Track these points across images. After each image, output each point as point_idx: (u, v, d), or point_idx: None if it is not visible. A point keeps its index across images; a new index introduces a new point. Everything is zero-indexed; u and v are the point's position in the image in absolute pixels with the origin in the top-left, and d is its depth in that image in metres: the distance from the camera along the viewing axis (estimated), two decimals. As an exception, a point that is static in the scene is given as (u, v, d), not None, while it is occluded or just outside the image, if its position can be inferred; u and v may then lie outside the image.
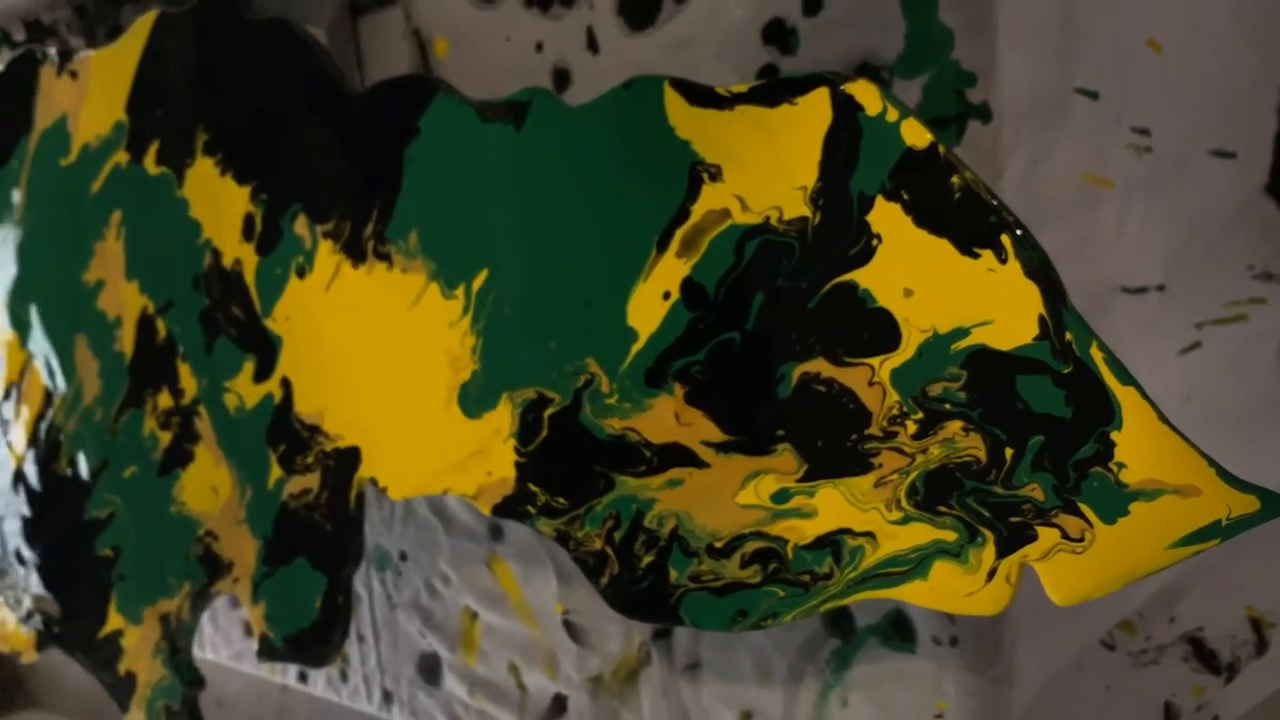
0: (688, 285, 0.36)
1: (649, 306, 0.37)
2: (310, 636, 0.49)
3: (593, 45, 0.48)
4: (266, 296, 0.49)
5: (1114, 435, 0.29)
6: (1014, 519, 0.31)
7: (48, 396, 0.61)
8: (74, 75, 0.56)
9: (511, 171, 0.40)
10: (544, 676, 0.53)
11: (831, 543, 0.34)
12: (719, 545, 0.36)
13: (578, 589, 0.51)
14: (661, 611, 0.38)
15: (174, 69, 0.51)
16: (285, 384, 0.49)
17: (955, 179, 0.30)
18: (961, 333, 0.31)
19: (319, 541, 0.48)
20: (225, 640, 0.73)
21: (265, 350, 0.49)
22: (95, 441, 0.58)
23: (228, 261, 0.50)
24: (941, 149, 0.31)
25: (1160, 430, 0.28)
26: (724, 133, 0.35)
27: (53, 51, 0.58)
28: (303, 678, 0.67)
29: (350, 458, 0.47)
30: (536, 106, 0.39)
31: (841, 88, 0.32)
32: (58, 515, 0.61)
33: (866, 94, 0.32)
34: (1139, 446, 0.28)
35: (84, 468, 0.59)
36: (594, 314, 0.38)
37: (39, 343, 0.61)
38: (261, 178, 0.48)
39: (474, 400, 0.42)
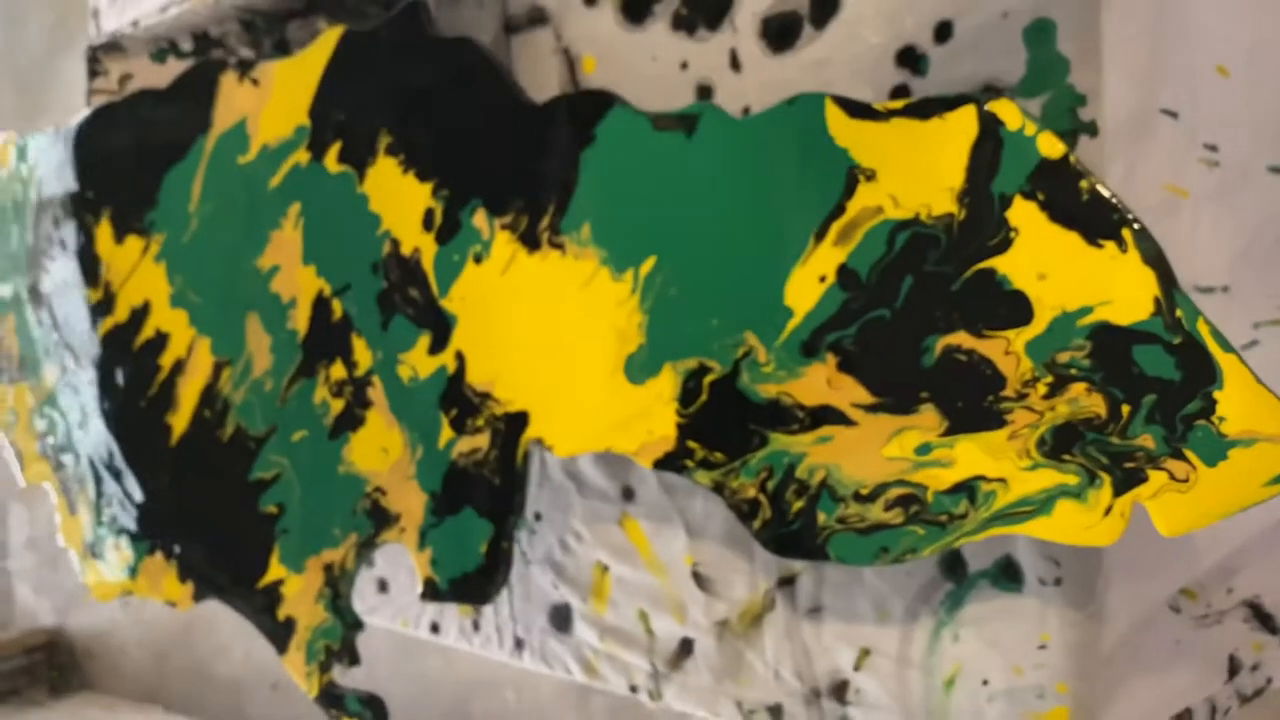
0: (842, 271, 0.42)
1: (805, 288, 0.43)
2: (475, 579, 0.56)
3: (735, 64, 0.54)
4: (444, 280, 0.56)
5: (1216, 394, 0.35)
6: (1128, 464, 0.37)
7: (216, 370, 0.68)
8: (255, 82, 0.64)
9: (682, 173, 0.47)
10: (672, 622, 0.59)
11: (968, 488, 0.41)
12: (865, 492, 0.43)
13: (706, 543, 0.58)
14: (810, 550, 0.45)
15: (358, 79, 0.59)
16: (459, 356, 0.56)
17: (1084, 183, 0.37)
18: (1086, 310, 0.37)
19: (486, 494, 0.55)
20: (359, 596, 0.80)
21: (440, 327, 0.56)
22: (264, 409, 0.65)
23: (407, 250, 0.57)
24: (1073, 158, 0.37)
25: (1256, 389, 0.35)
26: (879, 141, 0.41)
27: (233, 60, 0.65)
28: (435, 629, 0.74)
29: (519, 420, 0.53)
30: (707, 118, 0.46)
31: (986, 107, 0.39)
32: (222, 477, 0.68)
33: (1008, 112, 0.38)
34: (1237, 403, 0.35)
35: (251, 433, 0.66)
36: (754, 295, 0.45)
37: (208, 321, 0.68)
38: (443, 177, 0.55)
39: (639, 369, 0.49)
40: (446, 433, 0.57)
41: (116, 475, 0.77)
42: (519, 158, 0.52)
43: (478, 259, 0.54)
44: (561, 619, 0.65)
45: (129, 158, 0.73)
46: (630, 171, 0.48)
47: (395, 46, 0.57)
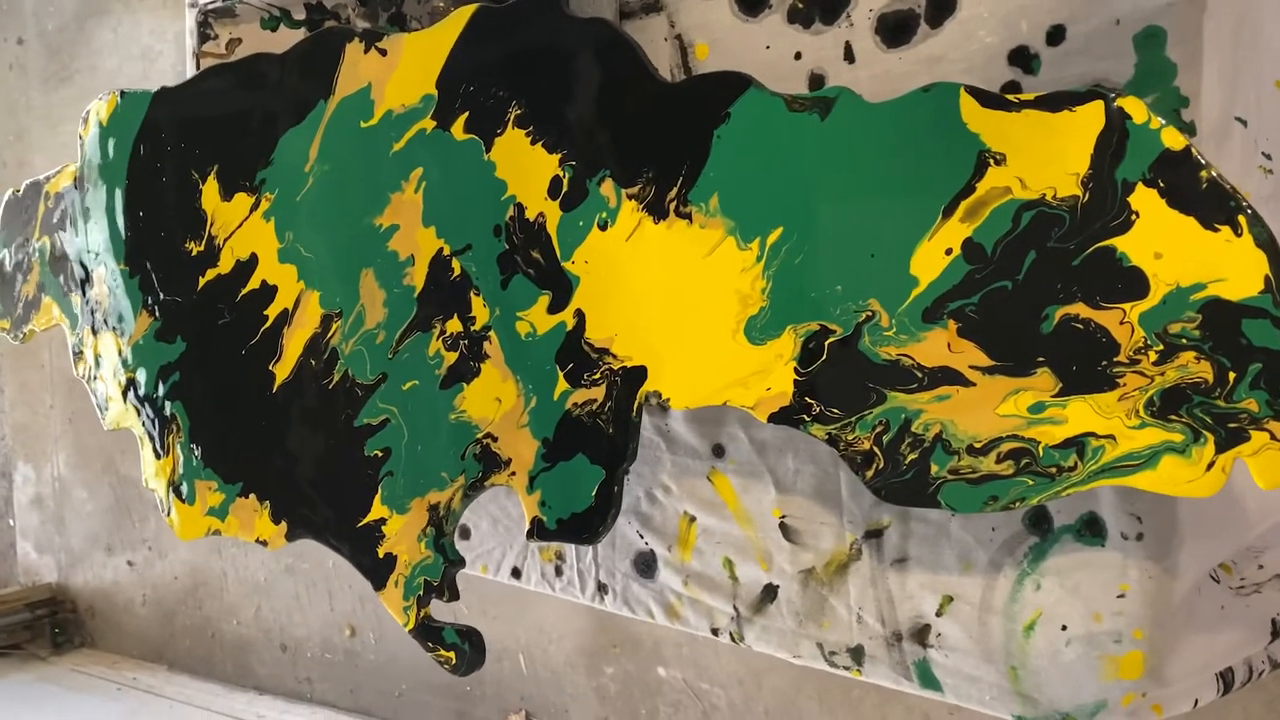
0: (968, 244, 0.47)
1: (931, 259, 0.48)
2: (584, 519, 0.60)
3: (849, 57, 0.59)
4: (567, 244, 0.60)
5: None
6: (1231, 425, 0.42)
7: (324, 321, 0.72)
8: (383, 52, 0.68)
9: (815, 151, 0.51)
10: (758, 569, 0.64)
11: (1078, 443, 0.45)
12: (978, 446, 0.48)
13: (795, 498, 0.62)
14: (921, 498, 0.49)
15: (491, 53, 0.63)
16: (579, 314, 0.60)
17: (1204, 173, 0.42)
18: (1199, 286, 0.42)
19: (599, 442, 0.59)
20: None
21: (561, 287, 0.60)
22: (375, 359, 0.69)
23: (531, 215, 0.61)
24: (1194, 151, 0.42)
25: (1353, 360, 0.39)
26: (1010, 129, 0.46)
27: (358, 30, 0.69)
28: (515, 574, 0.78)
29: (637, 375, 0.58)
30: (843, 101, 0.50)
31: (1115, 102, 0.43)
32: (326, 423, 0.72)
33: (1135, 107, 0.43)
34: (1336, 372, 0.40)
35: (360, 381, 0.70)
36: (879, 264, 0.50)
37: (320, 276, 0.72)
38: (572, 148, 0.59)
39: (760, 330, 0.53)
40: (561, 385, 0.61)
41: (210, 420, 0.81)
42: (650, 133, 0.57)
43: (602, 225, 0.58)
44: (646, 565, 0.69)
45: (243, 118, 0.76)
46: (763, 148, 0.53)
47: (530, 24, 0.61)
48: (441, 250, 0.66)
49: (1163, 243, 0.43)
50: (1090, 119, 0.44)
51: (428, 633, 0.69)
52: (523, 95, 0.61)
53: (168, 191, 0.82)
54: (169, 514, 0.85)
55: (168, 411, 0.84)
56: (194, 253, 0.80)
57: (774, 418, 0.53)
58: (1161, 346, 0.43)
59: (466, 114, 0.64)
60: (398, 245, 0.68)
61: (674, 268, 0.56)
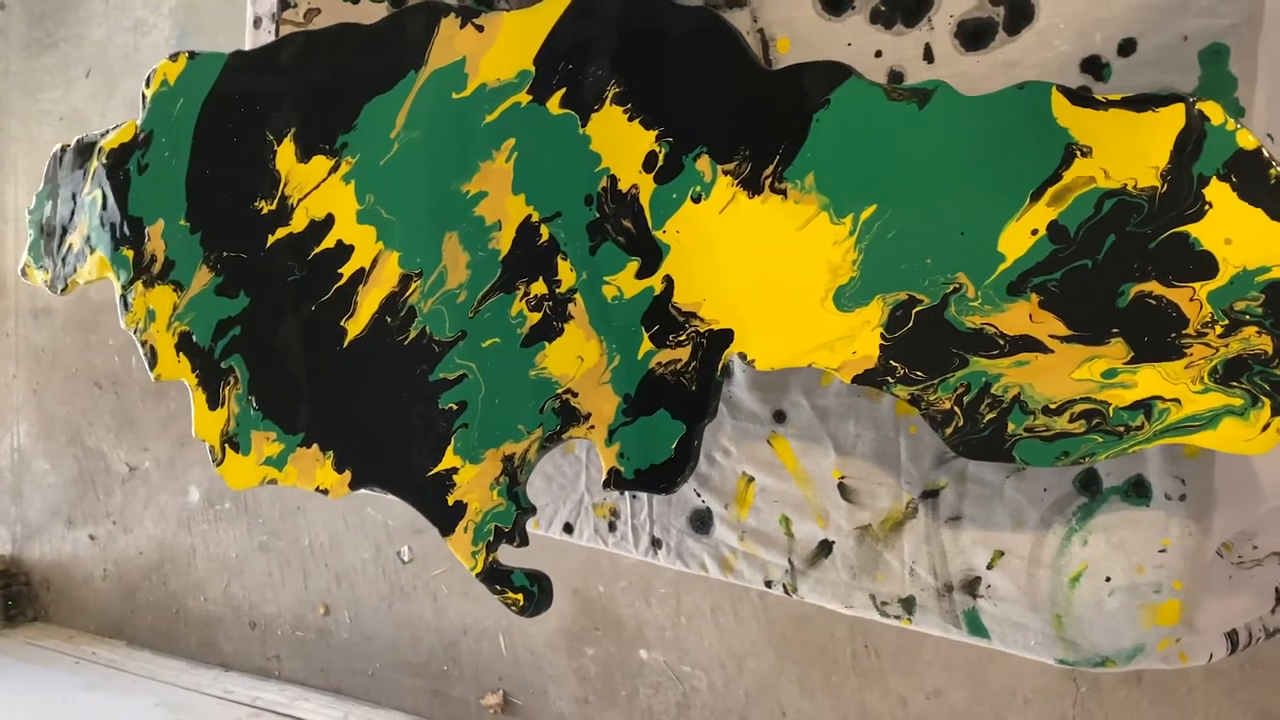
0: (1053, 226, 0.53)
1: (1018, 239, 0.54)
2: (663, 469, 0.65)
3: (929, 57, 0.65)
4: (659, 214, 0.65)
5: None
6: (1287, 391, 0.48)
7: (403, 281, 0.76)
8: (479, 28, 0.72)
9: (912, 137, 0.56)
10: (814, 526, 0.69)
11: (1145, 405, 0.51)
12: (1053, 406, 0.53)
13: (855, 460, 0.68)
14: (997, 453, 0.55)
15: (591, 35, 0.67)
16: (667, 280, 0.65)
17: (1273, 171, 0.48)
18: (1264, 269, 0.48)
19: (682, 399, 0.64)
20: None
21: (651, 255, 0.65)
22: (454, 318, 0.73)
23: (624, 186, 0.66)
24: (1265, 152, 0.48)
25: (1398, 337, 0.46)
26: (1096, 125, 0.52)
27: (455, 5, 0.73)
28: (568, 529, 0.82)
29: (724, 337, 0.63)
30: (940, 93, 0.56)
31: (1196, 105, 0.49)
32: (399, 376, 0.76)
33: (1213, 111, 0.49)
34: (1382, 346, 0.46)
35: (438, 338, 0.74)
36: (968, 241, 0.55)
37: (401, 237, 0.76)
38: (669, 126, 0.64)
39: (849, 299, 0.59)
40: (646, 345, 0.66)
41: (273, 372, 0.84)
42: (749, 115, 0.62)
43: (696, 198, 0.63)
44: (701, 522, 0.74)
45: (326, 84, 0.80)
46: (861, 132, 0.58)
47: (632, 10, 0.66)
48: (530, 217, 0.70)
49: (1232, 230, 0.49)
50: (1172, 119, 0.50)
51: (496, 576, 0.73)
52: (622, 75, 0.66)
53: (239, 151, 0.85)
54: (220, 463, 0.88)
55: (225, 364, 0.87)
56: (264, 211, 0.84)
57: (858, 379, 0.58)
58: (1227, 321, 0.49)
59: (563, 90, 0.68)
60: (484, 211, 0.72)
61: (766, 239, 0.61)
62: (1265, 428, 0.49)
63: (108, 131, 0.98)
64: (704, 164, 0.63)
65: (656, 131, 0.65)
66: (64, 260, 1.03)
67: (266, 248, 0.84)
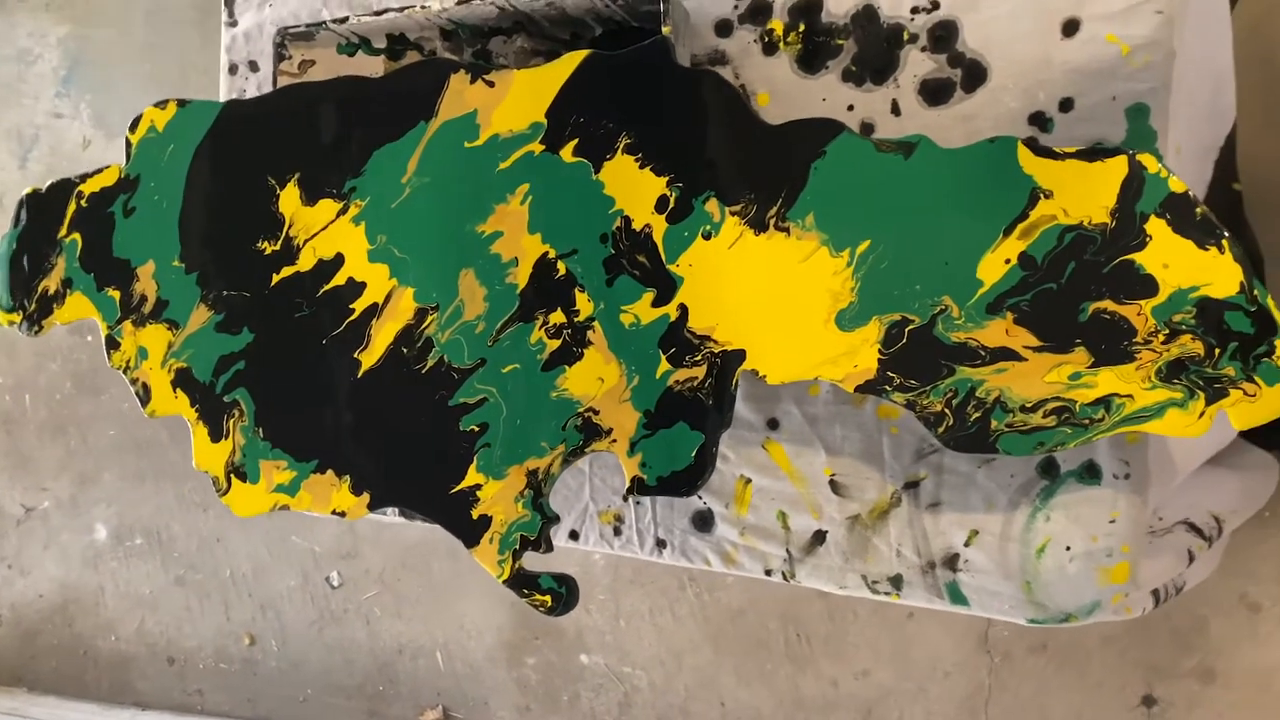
0: (1023, 256, 0.64)
1: (994, 267, 0.65)
2: (683, 475, 0.73)
3: (896, 111, 0.75)
4: (672, 250, 0.73)
5: (1276, 341, 0.59)
6: (1217, 385, 0.60)
7: (419, 314, 0.82)
8: (490, 84, 0.79)
9: (899, 182, 0.67)
10: (809, 519, 0.79)
11: (1105, 401, 0.63)
12: (1029, 405, 0.65)
13: (843, 459, 0.78)
14: (983, 446, 0.66)
15: (601, 91, 0.76)
16: (682, 308, 0.73)
17: (1199, 210, 0.60)
18: (1195, 288, 0.60)
19: (699, 412, 0.73)
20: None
21: (666, 285, 0.74)
22: (473, 347, 0.80)
23: (638, 225, 0.74)
24: (1191, 194, 0.60)
25: (1300, 339, 0.58)
26: (1056, 172, 0.63)
27: (466, 62, 0.80)
28: (574, 536, 0.90)
29: (736, 356, 0.72)
30: (922, 146, 0.67)
31: (1136, 156, 0.61)
32: (418, 403, 0.82)
33: (1149, 161, 0.61)
34: (1288, 347, 0.59)
35: (457, 366, 0.81)
36: (952, 270, 0.66)
37: (415, 274, 0.83)
38: (679, 173, 0.73)
39: (849, 320, 0.69)
40: (664, 366, 0.74)
41: (281, 404, 0.89)
42: (754, 163, 0.71)
43: (706, 236, 0.72)
44: (703, 521, 0.83)
45: (331, 132, 0.86)
46: (854, 179, 0.68)
47: (641, 70, 0.74)
48: (547, 254, 0.78)
49: (1169, 257, 0.61)
50: (1117, 168, 0.62)
51: (523, 580, 0.80)
52: (633, 128, 0.75)
53: (237, 196, 0.90)
54: (225, 493, 0.92)
55: (228, 398, 0.92)
56: (267, 251, 0.89)
57: (860, 388, 0.68)
58: (1168, 331, 0.61)
59: (576, 140, 0.77)
60: (500, 249, 0.80)
61: (772, 271, 0.71)
62: (1201, 415, 0.61)
63: (86, 175, 1.00)
64: (713, 206, 0.72)
65: (667, 178, 0.74)
66: (37, 302, 1.05)
67: (271, 286, 0.89)
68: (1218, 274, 0.60)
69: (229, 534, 2.02)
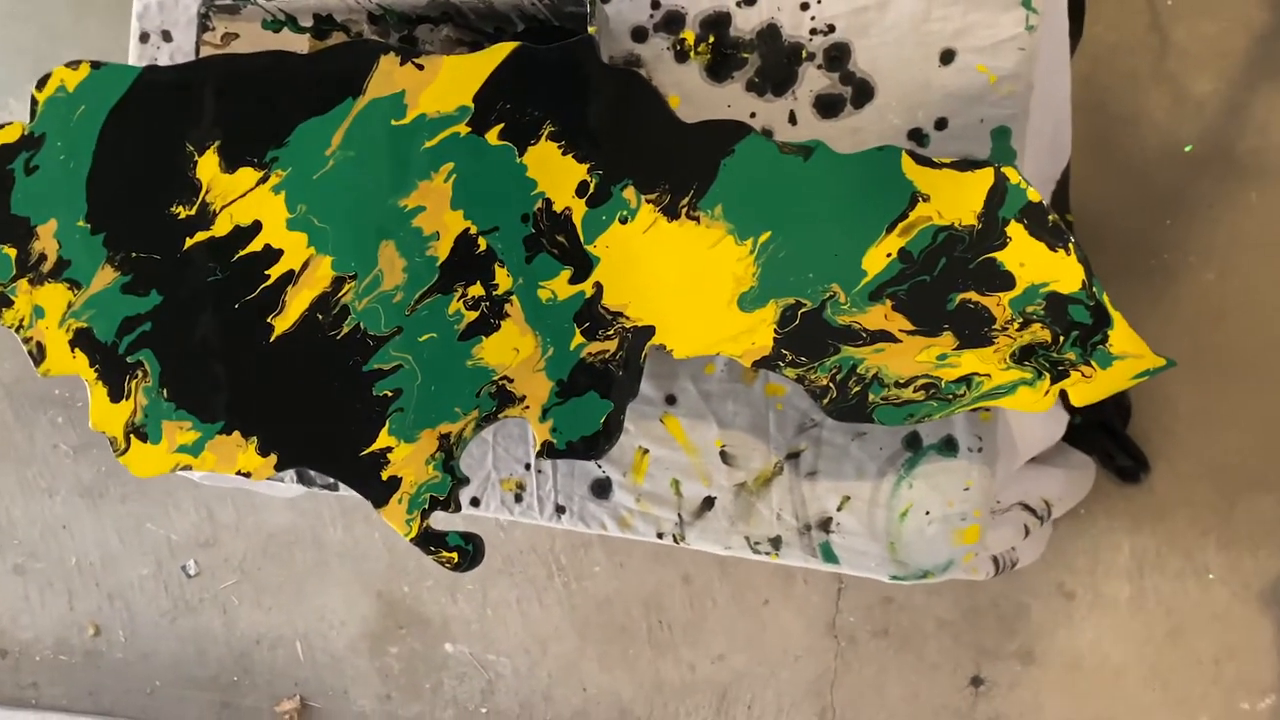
0: (902, 251, 0.73)
1: (876, 259, 0.74)
2: (591, 440, 0.80)
3: (793, 120, 0.84)
4: (590, 232, 0.80)
5: (1109, 332, 0.70)
6: (1060, 367, 0.71)
7: (335, 283, 0.86)
8: (419, 67, 0.84)
9: (798, 181, 0.75)
10: (700, 486, 0.86)
11: (967, 379, 0.73)
12: (901, 381, 0.74)
13: (733, 432, 0.86)
14: (861, 417, 0.75)
15: (528, 80, 0.81)
16: (597, 285, 0.80)
17: (1051, 217, 0.71)
18: (1045, 284, 0.71)
19: (609, 382, 0.80)
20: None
21: (583, 264, 0.80)
22: (390, 315, 0.85)
23: (559, 207, 0.81)
24: (1043, 202, 0.71)
25: (1128, 330, 0.69)
26: (933, 180, 0.73)
27: (396, 45, 0.85)
28: (475, 503, 0.94)
29: (646, 331, 0.79)
30: (820, 150, 0.75)
31: (1001, 169, 0.71)
32: (331, 367, 0.86)
33: (1012, 174, 0.71)
34: (1119, 337, 0.70)
35: (372, 333, 0.85)
36: (840, 261, 0.75)
37: (334, 243, 0.86)
38: (600, 161, 0.80)
39: (749, 302, 0.77)
40: (578, 339, 0.80)
41: (187, 365, 0.91)
42: (669, 157, 0.78)
43: (623, 220, 0.79)
44: (601, 489, 0.89)
45: (254, 103, 0.89)
46: (759, 176, 0.76)
47: (567, 65, 0.81)
48: (468, 229, 0.83)
49: (1025, 256, 0.71)
50: (985, 178, 0.72)
51: (430, 538, 0.84)
52: (557, 117, 0.81)
53: (152, 160, 0.92)
54: (123, 453, 0.93)
55: (132, 359, 0.93)
56: (181, 216, 0.91)
57: (757, 364, 0.76)
58: (1021, 320, 0.71)
59: (502, 125, 0.82)
60: (422, 223, 0.84)
61: (682, 255, 0.78)
62: (1046, 393, 0.71)
63: (-14, 131, 0.99)
64: (630, 193, 0.79)
65: (588, 165, 0.80)
66: (-80, 257, 1.03)
67: (184, 249, 0.90)
68: (1064, 273, 0.70)
69: (77, 521, 1.96)
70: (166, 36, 1.03)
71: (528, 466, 0.92)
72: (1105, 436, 1.36)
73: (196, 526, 1.86)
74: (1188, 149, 1.37)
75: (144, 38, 1.04)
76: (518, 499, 0.93)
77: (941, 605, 1.47)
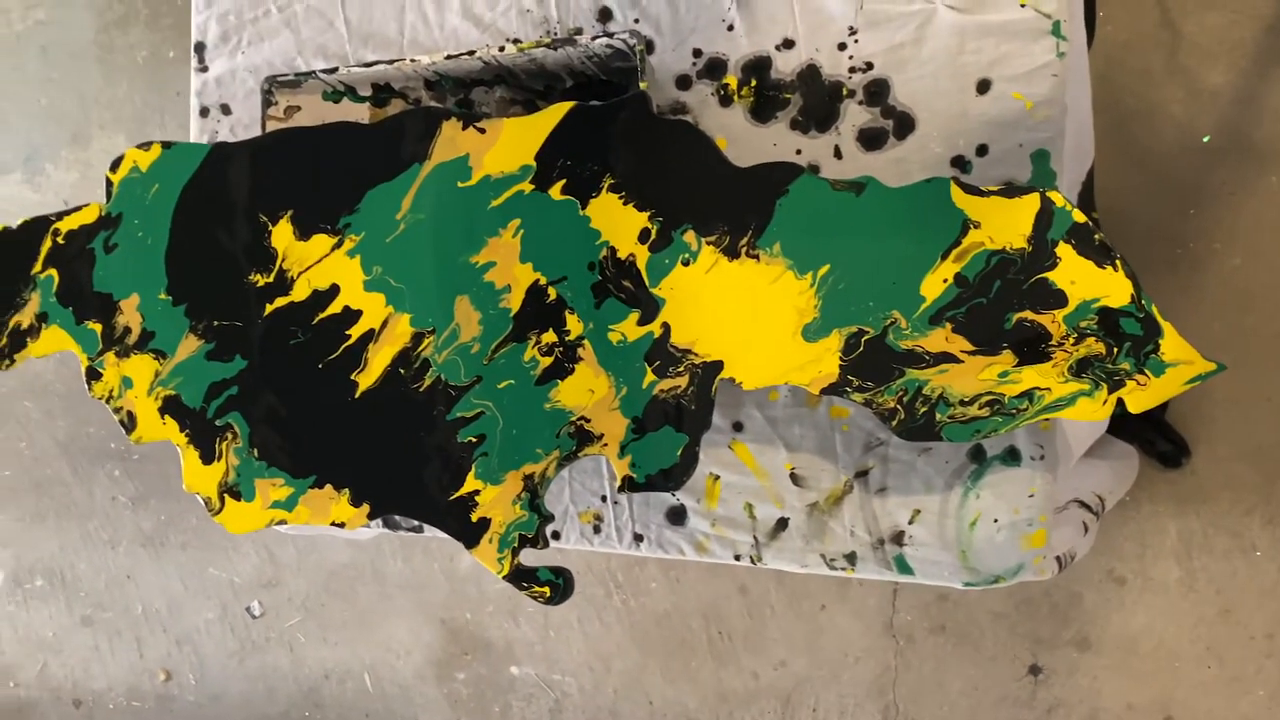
0: (958, 276, 0.77)
1: (934, 285, 0.78)
2: (670, 472, 0.84)
3: (838, 154, 0.88)
4: (654, 275, 0.84)
5: (1160, 341, 0.74)
6: (1116, 377, 0.75)
7: (415, 338, 0.91)
8: (481, 130, 0.89)
9: (853, 216, 0.80)
10: (773, 508, 0.91)
11: (1029, 394, 0.77)
12: (966, 399, 0.78)
13: (801, 454, 0.90)
14: (930, 436, 0.79)
15: (586, 137, 0.86)
16: (665, 326, 0.84)
17: (1098, 235, 0.75)
18: (1096, 300, 0.75)
19: (682, 416, 0.84)
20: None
21: (649, 307, 0.85)
22: (469, 366, 0.89)
23: (623, 254, 0.85)
24: (1090, 223, 0.75)
25: (1179, 339, 0.73)
26: (982, 207, 0.77)
27: (456, 110, 0.89)
28: (555, 536, 0.99)
29: (715, 366, 0.83)
30: (871, 185, 0.79)
31: (1046, 194, 0.75)
32: (416, 419, 0.90)
33: (1057, 197, 0.75)
34: (1171, 346, 0.74)
35: (453, 384, 0.89)
36: (899, 288, 0.79)
37: (411, 301, 0.91)
38: (659, 209, 0.84)
39: (813, 333, 0.81)
40: (650, 377, 0.85)
41: (276, 425, 0.96)
42: (726, 200, 0.83)
43: (685, 263, 0.84)
44: (677, 516, 0.94)
45: (324, 173, 0.93)
46: (814, 213, 0.80)
47: (624, 120, 0.85)
48: (538, 281, 0.88)
49: (1075, 275, 0.75)
50: (1032, 203, 0.76)
51: (522, 575, 0.89)
52: (615, 170, 0.85)
53: (227, 232, 0.96)
54: (218, 512, 0.98)
55: (220, 422, 0.98)
56: (260, 284, 0.95)
57: (825, 390, 0.80)
58: (1076, 335, 0.75)
59: (564, 180, 0.87)
60: (494, 277, 0.89)
61: (745, 292, 0.82)
62: (1105, 402, 0.75)
63: (62, 213, 1.04)
64: (690, 237, 0.83)
65: (649, 212, 0.84)
66: (8, 336, 1.08)
67: (264, 315, 0.95)
68: (1113, 288, 0.74)
69: (140, 570, 2.01)
70: (225, 110, 1.08)
71: (604, 499, 0.97)
72: (1145, 424, 1.40)
73: (258, 568, 1.91)
74: (1205, 139, 1.41)
75: (204, 112, 1.09)
76: (596, 530, 0.97)
77: (995, 598, 1.51)
